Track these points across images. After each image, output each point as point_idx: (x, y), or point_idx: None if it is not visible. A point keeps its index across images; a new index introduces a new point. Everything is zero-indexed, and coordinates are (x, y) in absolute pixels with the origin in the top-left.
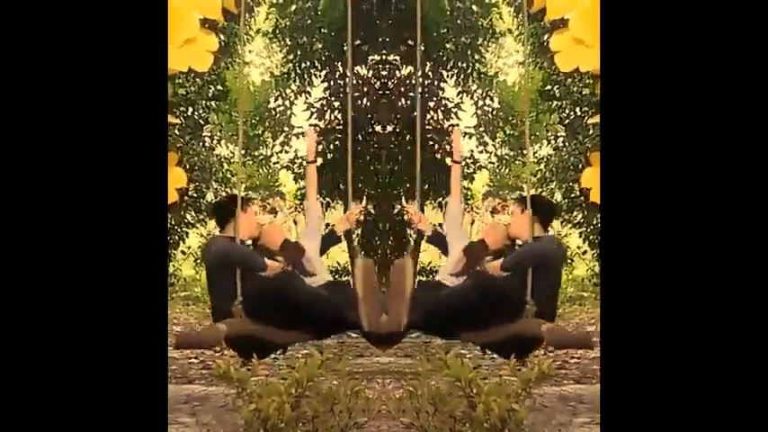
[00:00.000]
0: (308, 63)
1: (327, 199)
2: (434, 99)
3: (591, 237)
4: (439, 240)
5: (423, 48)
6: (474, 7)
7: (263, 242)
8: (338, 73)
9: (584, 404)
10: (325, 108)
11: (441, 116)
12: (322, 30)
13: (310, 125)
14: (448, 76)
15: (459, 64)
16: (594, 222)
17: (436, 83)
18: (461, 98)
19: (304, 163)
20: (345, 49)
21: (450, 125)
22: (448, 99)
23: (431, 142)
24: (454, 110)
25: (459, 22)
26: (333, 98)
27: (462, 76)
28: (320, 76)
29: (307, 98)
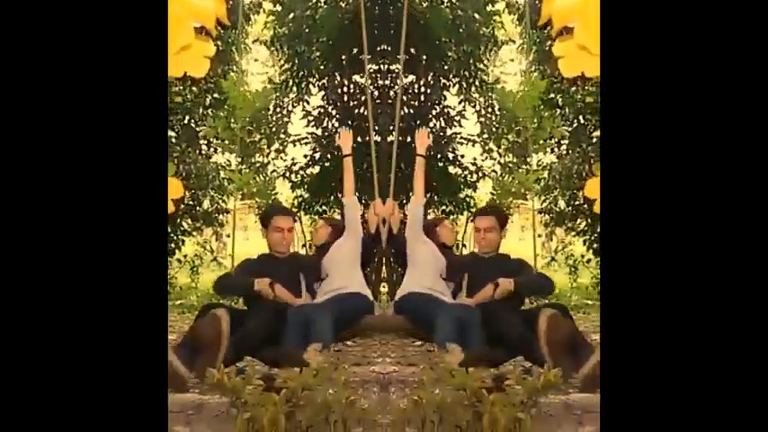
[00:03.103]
0: (306, 71)
1: (324, 207)
2: (437, 107)
3: (595, 245)
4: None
5: (425, 57)
6: (476, 15)
7: (314, 241)
8: (336, 81)
9: (590, 413)
10: (323, 116)
11: (443, 124)
12: (320, 39)
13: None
14: (450, 84)
15: (462, 72)
16: (599, 231)
17: (438, 91)
18: (464, 106)
19: (301, 172)
20: (343, 58)
21: (453, 134)
22: (450, 107)
23: (432, 151)
24: (457, 118)
25: (460, 30)
26: (330, 107)
27: (465, 85)
28: (318, 84)
29: (304, 106)
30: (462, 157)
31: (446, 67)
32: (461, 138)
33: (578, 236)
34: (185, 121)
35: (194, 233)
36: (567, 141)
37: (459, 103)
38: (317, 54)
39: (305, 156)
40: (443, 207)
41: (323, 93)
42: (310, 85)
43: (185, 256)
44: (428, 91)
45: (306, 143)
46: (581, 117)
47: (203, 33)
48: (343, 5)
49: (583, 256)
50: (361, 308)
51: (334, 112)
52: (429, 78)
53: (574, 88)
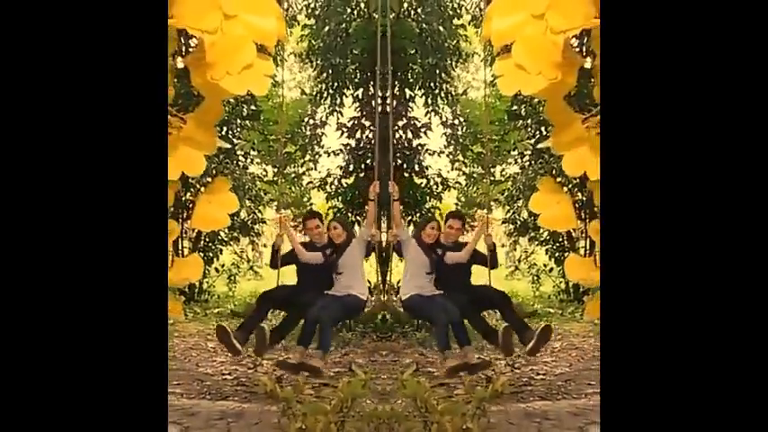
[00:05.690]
0: (340, 83)
1: (358, 218)
2: (403, 119)
3: (557, 254)
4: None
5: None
6: (441, 29)
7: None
8: (370, 93)
9: (550, 420)
10: (356, 127)
11: (410, 135)
12: (354, 51)
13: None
14: (416, 96)
15: (427, 84)
16: (560, 240)
17: (404, 102)
18: (429, 118)
19: (335, 182)
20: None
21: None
22: (416, 119)
23: (399, 161)
24: (423, 129)
25: (426, 43)
26: (364, 118)
27: (430, 97)
28: (351, 96)
29: (339, 118)
30: (428, 168)
31: (411, 80)
32: (427, 149)
33: (541, 245)
34: (222, 133)
35: (231, 243)
36: (529, 152)
37: (426, 114)
38: (352, 67)
39: (338, 167)
40: (410, 218)
41: (356, 104)
42: (344, 97)
43: (222, 266)
44: (394, 103)
45: (339, 154)
46: (543, 128)
47: (263, 52)
48: (376, 17)
49: (545, 265)
50: (354, 308)
51: (367, 124)
52: (395, 90)
53: (536, 100)
